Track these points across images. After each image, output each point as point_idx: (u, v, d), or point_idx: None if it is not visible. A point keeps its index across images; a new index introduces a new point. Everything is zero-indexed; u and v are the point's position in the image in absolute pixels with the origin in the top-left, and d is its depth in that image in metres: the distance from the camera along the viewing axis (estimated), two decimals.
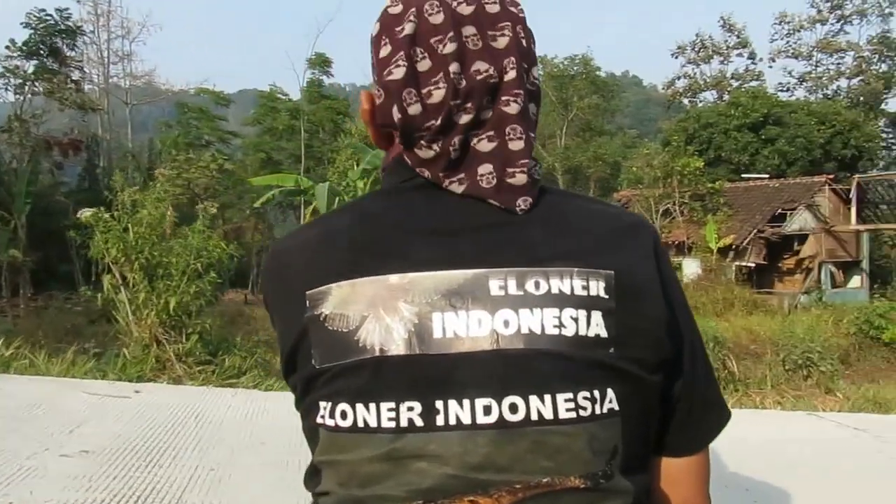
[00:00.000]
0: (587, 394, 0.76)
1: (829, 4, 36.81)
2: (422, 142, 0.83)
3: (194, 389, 5.76)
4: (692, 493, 0.90)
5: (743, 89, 35.09)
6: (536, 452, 0.74)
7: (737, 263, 21.80)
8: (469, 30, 0.82)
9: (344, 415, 0.78)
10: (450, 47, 0.81)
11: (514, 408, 0.74)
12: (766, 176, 27.02)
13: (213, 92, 29.27)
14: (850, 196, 23.29)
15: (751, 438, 4.25)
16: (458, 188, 0.82)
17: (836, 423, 5.32)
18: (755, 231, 22.45)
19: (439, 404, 0.75)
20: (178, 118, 28.68)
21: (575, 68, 36.76)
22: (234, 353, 6.96)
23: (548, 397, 0.75)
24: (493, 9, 0.84)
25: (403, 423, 0.75)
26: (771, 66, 49.69)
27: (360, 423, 0.77)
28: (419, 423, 0.75)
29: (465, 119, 0.81)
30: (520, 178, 0.82)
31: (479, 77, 0.81)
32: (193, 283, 6.86)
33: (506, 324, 0.76)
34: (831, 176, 25.15)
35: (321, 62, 30.28)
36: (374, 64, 0.88)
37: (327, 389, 0.80)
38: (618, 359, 0.78)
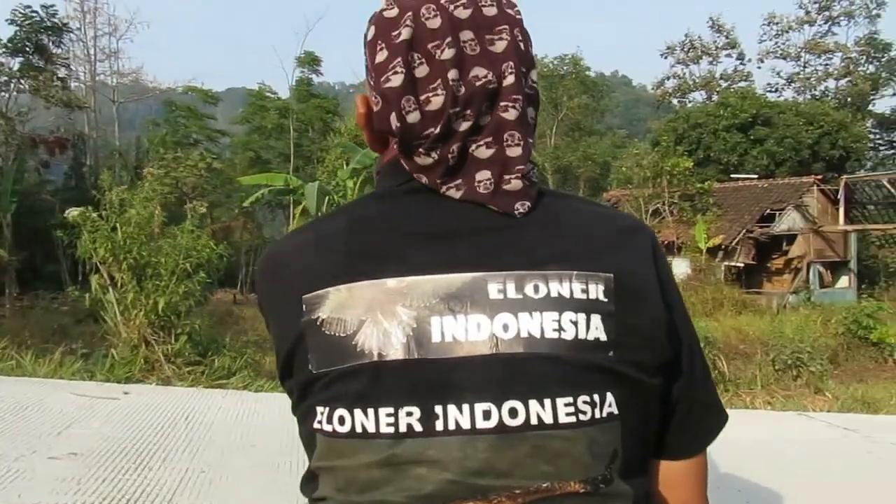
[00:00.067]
0: (587, 398, 0.75)
1: (817, 6, 37.14)
2: (420, 149, 0.82)
3: (184, 390, 5.72)
4: (691, 496, 0.89)
5: (732, 90, 35.33)
6: (536, 457, 0.74)
7: (726, 263, 21.93)
8: (467, 34, 0.81)
9: (342, 420, 0.77)
10: (448, 53, 0.80)
11: (513, 412, 0.74)
12: (755, 176, 27.22)
13: (202, 90, 29.16)
14: (838, 196, 23.49)
15: (742, 439, 4.27)
16: (455, 194, 0.82)
17: (826, 423, 5.37)
18: (744, 231, 22.60)
19: (438, 409, 0.74)
20: (166, 116, 28.54)
21: (565, 68, 36.86)
22: (223, 354, 6.91)
23: (547, 402, 0.74)
24: (491, 11, 0.83)
25: (402, 428, 0.75)
26: (759, 67, 50.17)
27: (359, 429, 0.76)
28: (418, 428, 0.74)
29: (464, 126, 0.81)
30: (515, 185, 0.81)
31: (477, 83, 0.80)
32: (182, 283, 6.81)
33: (505, 328, 0.76)
34: (819, 176, 25.36)
35: (310, 60, 30.23)
36: (369, 68, 0.87)
37: (325, 394, 0.79)
38: (617, 362, 0.77)
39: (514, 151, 0.82)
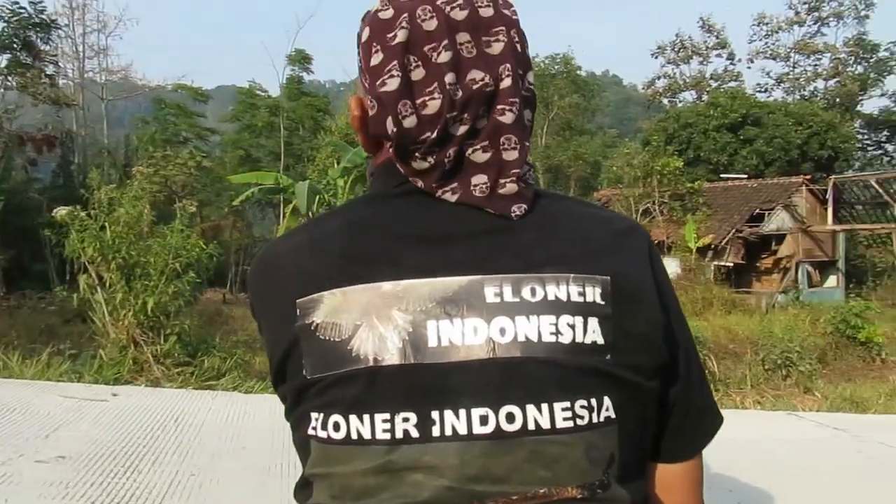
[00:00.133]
0: (584, 402, 0.75)
1: (806, 6, 37.40)
2: (416, 154, 0.81)
3: (173, 392, 5.68)
4: (687, 498, 0.90)
5: (722, 90, 35.54)
6: (533, 462, 0.73)
7: (715, 263, 22.06)
8: (463, 36, 0.80)
9: (337, 426, 0.76)
10: (444, 56, 0.79)
11: (510, 417, 0.73)
12: (745, 176, 27.39)
13: (191, 88, 29.00)
14: (827, 196, 23.66)
15: (733, 438, 4.28)
16: (451, 197, 0.81)
17: (815, 423, 5.41)
18: (733, 231, 22.74)
19: (435, 415, 0.74)
20: (156, 114, 28.38)
21: (556, 67, 36.96)
22: (213, 355, 6.88)
23: (545, 406, 0.74)
24: (487, 12, 0.82)
25: (398, 434, 0.74)
26: (749, 67, 50.51)
27: (354, 435, 0.75)
28: (415, 434, 0.74)
29: (461, 130, 0.80)
30: (511, 188, 0.81)
31: (475, 87, 0.80)
32: (172, 283, 6.77)
33: (502, 331, 0.75)
34: (808, 176, 25.55)
35: (301, 58, 30.16)
36: (363, 70, 0.86)
37: (319, 400, 0.78)
38: (615, 365, 0.77)
39: (511, 155, 0.81)
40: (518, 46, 0.83)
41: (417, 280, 0.76)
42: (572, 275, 0.77)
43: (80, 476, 3.49)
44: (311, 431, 0.79)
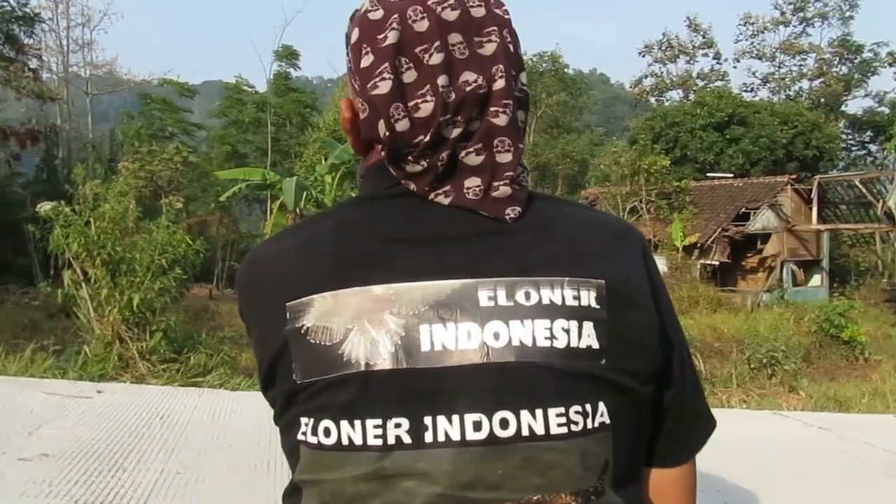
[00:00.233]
0: (579, 408, 0.74)
1: (791, 7, 37.67)
2: (409, 157, 0.80)
3: (159, 389, 5.65)
4: (680, 503, 0.89)
5: (708, 89, 35.74)
6: (528, 469, 0.73)
7: (701, 261, 22.19)
8: (455, 37, 0.79)
9: (327, 432, 0.75)
10: (436, 58, 0.78)
11: (504, 423, 0.73)
12: (731, 175, 27.55)
13: (177, 83, 28.84)
14: (812, 196, 23.83)
15: (720, 438, 4.29)
16: (444, 200, 0.80)
17: (801, 422, 5.47)
18: (719, 230, 22.88)
19: (428, 420, 0.73)
20: (141, 109, 28.22)
21: (544, 65, 36.99)
22: (199, 351, 6.84)
23: (539, 412, 0.73)
24: (479, 12, 0.81)
25: (391, 440, 0.73)
26: (735, 67, 50.81)
27: (345, 441, 0.74)
28: (407, 440, 0.73)
29: (454, 133, 0.79)
30: (504, 191, 0.80)
31: (468, 88, 0.79)
32: (158, 279, 6.73)
33: (496, 336, 0.74)
34: (793, 176, 25.73)
35: (288, 54, 30.07)
36: (353, 71, 0.84)
37: (309, 405, 0.77)
38: (610, 370, 0.76)
39: (505, 157, 0.80)
40: (510, 47, 0.82)
41: (410, 283, 0.76)
42: (567, 278, 0.77)
43: (63, 474, 3.46)
44: (300, 437, 0.78)
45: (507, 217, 0.80)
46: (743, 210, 23.67)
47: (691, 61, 39.46)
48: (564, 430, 0.73)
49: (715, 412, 0.93)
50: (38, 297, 13.17)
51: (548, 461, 0.73)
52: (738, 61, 39.80)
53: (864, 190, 23.37)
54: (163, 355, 6.51)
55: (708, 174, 28.27)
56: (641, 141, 27.02)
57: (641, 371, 0.79)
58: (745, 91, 38.31)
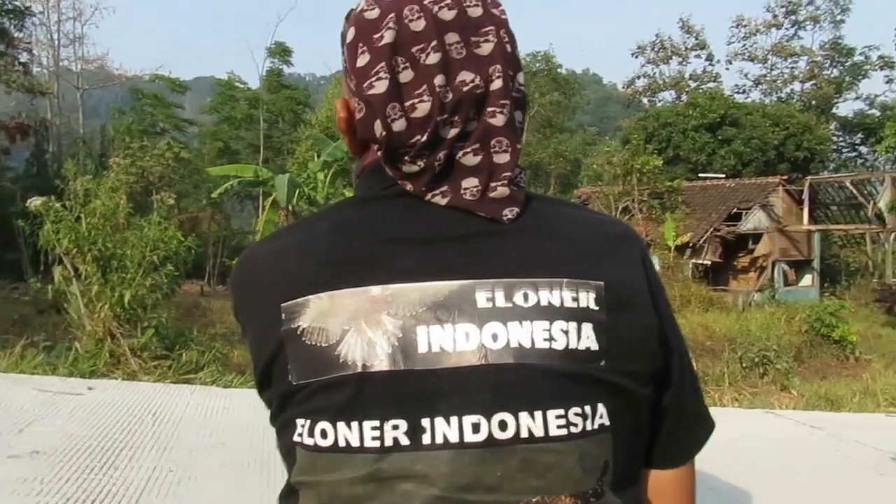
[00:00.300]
0: (578, 409, 0.74)
1: (784, 10, 37.87)
2: (406, 157, 0.79)
3: (151, 386, 5.61)
4: None
5: (701, 90, 35.87)
6: (526, 471, 0.72)
7: (693, 261, 22.27)
8: (452, 37, 0.79)
9: (324, 434, 0.75)
10: (433, 58, 0.77)
11: (503, 425, 0.72)
12: (723, 176, 27.68)
13: (169, 78, 28.75)
14: (803, 197, 23.97)
15: (712, 436, 4.31)
16: (441, 200, 0.79)
17: (793, 421, 5.49)
18: (711, 229, 22.98)
19: (426, 422, 0.72)
20: (132, 104, 28.10)
21: (537, 65, 37.02)
22: (191, 348, 6.81)
23: (538, 414, 0.73)
24: (476, 12, 0.80)
25: (388, 442, 0.73)
26: (728, 68, 51.14)
27: (342, 443, 0.74)
28: (405, 442, 0.72)
29: (451, 133, 0.78)
30: (502, 191, 0.79)
31: (465, 88, 0.78)
32: (149, 275, 6.69)
33: (494, 337, 0.74)
34: (785, 177, 25.86)
35: (281, 51, 30.03)
36: (349, 71, 0.84)
37: (305, 407, 0.76)
38: (609, 372, 0.76)
39: (502, 158, 0.80)
40: (508, 47, 0.81)
41: (407, 284, 0.75)
42: (566, 280, 0.76)
43: (54, 472, 3.44)
44: (296, 438, 0.77)
45: (505, 218, 0.79)
46: (735, 210, 23.79)
47: (684, 62, 39.64)
48: (564, 431, 0.73)
49: None
50: (28, 293, 13.10)
51: (547, 463, 0.72)
52: (731, 63, 40.08)
53: (854, 191, 23.52)
54: (154, 352, 6.47)
55: (700, 174, 28.39)
56: (634, 141, 27.05)
57: (641, 373, 0.79)
58: (737, 92, 38.58)
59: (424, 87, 0.77)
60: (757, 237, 24.08)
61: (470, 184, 0.79)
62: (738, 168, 29.13)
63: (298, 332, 0.76)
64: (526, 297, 0.75)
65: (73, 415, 4.45)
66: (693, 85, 38.68)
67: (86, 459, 3.64)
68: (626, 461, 0.78)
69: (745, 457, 4.14)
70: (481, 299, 0.75)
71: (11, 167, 22.08)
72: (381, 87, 0.78)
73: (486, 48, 0.79)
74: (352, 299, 0.75)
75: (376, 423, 0.73)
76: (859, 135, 36.88)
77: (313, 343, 0.75)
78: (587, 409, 0.74)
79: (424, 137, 0.77)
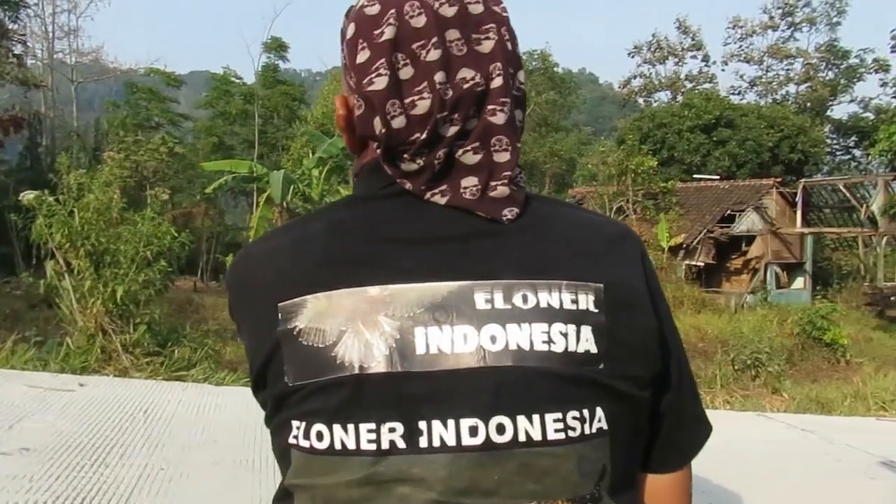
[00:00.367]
0: (576, 413, 0.73)
1: (780, 11, 38.01)
2: (405, 155, 0.78)
3: (143, 383, 5.59)
4: None
5: (696, 91, 35.94)
6: (524, 475, 0.72)
7: (686, 262, 22.33)
8: (453, 34, 0.78)
9: (320, 436, 0.74)
10: (434, 54, 0.77)
11: (501, 428, 0.72)
12: (717, 177, 27.73)
13: (164, 72, 28.65)
14: (796, 199, 24.06)
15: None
16: (440, 200, 0.79)
17: (784, 424, 5.51)
18: (705, 231, 23.03)
19: (423, 425, 0.72)
20: (127, 98, 28.00)
21: (533, 63, 37.04)
22: (183, 345, 6.79)
23: (536, 417, 0.72)
24: (477, 9, 0.80)
25: (385, 444, 0.72)
26: (723, 70, 51.30)
27: (338, 445, 0.73)
28: (401, 444, 0.72)
29: (451, 131, 0.78)
30: (502, 191, 0.79)
31: (465, 86, 0.77)
32: (142, 271, 6.67)
33: (493, 339, 0.73)
34: (779, 179, 25.94)
35: (277, 46, 29.97)
36: (348, 67, 0.83)
37: (301, 408, 0.76)
38: (608, 375, 0.75)
39: (502, 157, 0.79)
40: (508, 45, 0.81)
41: (405, 285, 0.74)
42: (565, 282, 0.76)
43: (45, 469, 3.40)
44: (292, 440, 0.77)
45: (505, 218, 0.78)
46: (728, 212, 23.85)
47: (680, 63, 39.75)
48: (562, 435, 0.72)
49: None
50: (20, 287, 13.02)
51: (544, 467, 0.72)
52: (727, 64, 40.21)
53: (847, 194, 23.64)
54: (146, 348, 6.45)
55: (694, 176, 28.44)
56: (629, 141, 27.11)
57: (640, 376, 0.78)
58: (733, 94, 38.71)
59: (425, 84, 0.77)
60: (750, 239, 24.15)
61: (470, 183, 0.78)
62: (733, 170, 29.21)
63: (295, 333, 0.75)
64: (525, 298, 0.74)
65: (63, 411, 4.42)
66: (689, 86, 38.78)
67: (76, 457, 3.61)
68: (624, 465, 0.78)
69: (737, 459, 4.15)
70: (480, 300, 0.74)
71: (4, 160, 21.95)
72: (380, 83, 0.77)
73: (486, 46, 0.79)
74: (349, 299, 0.74)
75: (373, 425, 0.72)
76: (853, 138, 37.03)
77: (310, 344, 0.74)
78: (585, 412, 0.74)
79: (424, 135, 0.76)
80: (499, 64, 0.79)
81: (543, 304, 0.75)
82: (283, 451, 0.79)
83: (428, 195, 0.79)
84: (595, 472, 0.74)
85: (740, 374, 9.14)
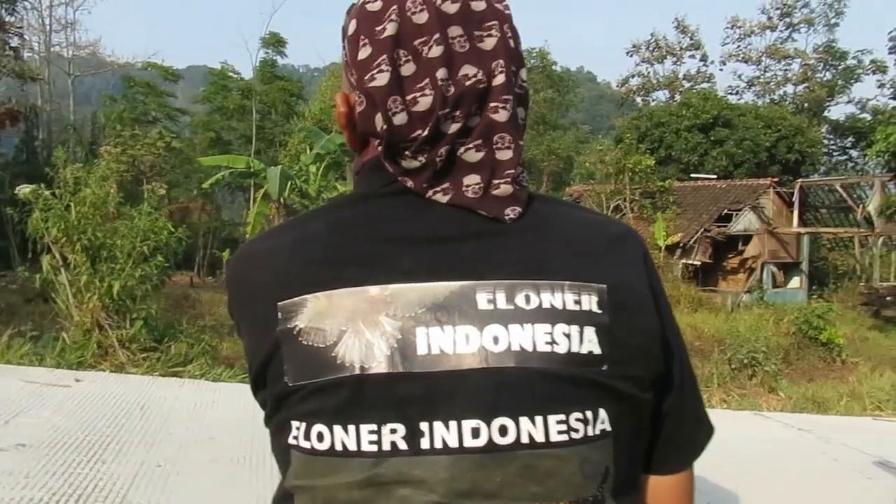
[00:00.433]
0: (579, 415, 0.73)
1: (778, 12, 38.04)
2: (406, 152, 0.78)
3: (139, 379, 5.58)
4: None
5: (694, 90, 35.95)
6: (526, 477, 0.71)
7: (683, 261, 22.34)
8: (455, 30, 0.77)
9: (320, 437, 0.73)
10: (436, 51, 0.76)
11: (503, 430, 0.71)
12: (714, 176, 27.77)
13: (162, 67, 28.55)
14: (793, 199, 24.11)
15: None
16: (442, 198, 0.78)
17: (781, 423, 5.53)
18: (702, 230, 23.05)
19: (424, 426, 0.71)
20: (124, 92, 27.88)
21: (532, 61, 37.03)
22: (180, 340, 6.78)
23: (539, 419, 0.71)
24: (479, 6, 0.79)
25: (386, 446, 0.71)
26: (721, 69, 51.42)
27: (339, 447, 0.72)
28: (403, 446, 0.71)
29: (453, 128, 0.77)
30: (505, 189, 0.78)
31: (467, 83, 0.77)
32: (139, 266, 6.65)
33: (495, 340, 0.73)
34: (776, 179, 25.99)
35: (275, 42, 29.89)
36: (349, 64, 0.82)
37: (301, 409, 0.75)
38: (611, 377, 0.75)
39: (505, 155, 0.79)
40: (511, 42, 0.80)
41: (406, 284, 0.74)
42: (568, 282, 0.75)
43: (40, 465, 3.40)
44: (292, 441, 0.76)
45: (507, 217, 0.78)
46: (725, 211, 23.88)
47: (678, 62, 39.77)
48: (565, 437, 0.72)
49: None
50: (16, 281, 12.98)
51: (547, 469, 0.71)
52: (725, 64, 40.23)
53: (844, 195, 23.70)
54: (143, 344, 6.44)
55: (692, 175, 28.48)
56: (627, 140, 27.12)
57: (643, 377, 0.78)
58: (731, 94, 38.76)
59: (426, 80, 0.76)
60: (747, 238, 24.19)
61: (472, 181, 0.78)
62: (730, 169, 29.25)
63: (295, 333, 0.74)
64: (528, 299, 0.74)
65: (59, 407, 4.41)
66: (687, 85, 38.80)
67: (72, 453, 3.61)
68: (626, 467, 0.77)
69: (733, 458, 4.15)
70: (482, 301, 0.73)
71: (0, 154, 21.88)
72: (382, 79, 0.77)
73: (489, 43, 0.78)
74: (349, 299, 0.73)
75: (374, 426, 0.71)
76: (850, 138, 37.10)
77: (310, 344, 0.74)
78: (588, 414, 0.73)
79: (426, 132, 0.76)
80: (501, 61, 0.78)
81: (546, 305, 0.74)
82: (282, 452, 0.79)
83: (429, 193, 0.78)
84: (598, 474, 0.73)
85: (737, 373, 9.16)
